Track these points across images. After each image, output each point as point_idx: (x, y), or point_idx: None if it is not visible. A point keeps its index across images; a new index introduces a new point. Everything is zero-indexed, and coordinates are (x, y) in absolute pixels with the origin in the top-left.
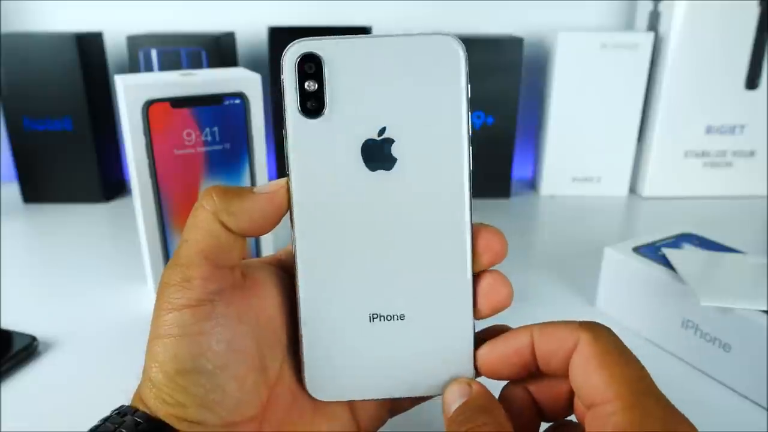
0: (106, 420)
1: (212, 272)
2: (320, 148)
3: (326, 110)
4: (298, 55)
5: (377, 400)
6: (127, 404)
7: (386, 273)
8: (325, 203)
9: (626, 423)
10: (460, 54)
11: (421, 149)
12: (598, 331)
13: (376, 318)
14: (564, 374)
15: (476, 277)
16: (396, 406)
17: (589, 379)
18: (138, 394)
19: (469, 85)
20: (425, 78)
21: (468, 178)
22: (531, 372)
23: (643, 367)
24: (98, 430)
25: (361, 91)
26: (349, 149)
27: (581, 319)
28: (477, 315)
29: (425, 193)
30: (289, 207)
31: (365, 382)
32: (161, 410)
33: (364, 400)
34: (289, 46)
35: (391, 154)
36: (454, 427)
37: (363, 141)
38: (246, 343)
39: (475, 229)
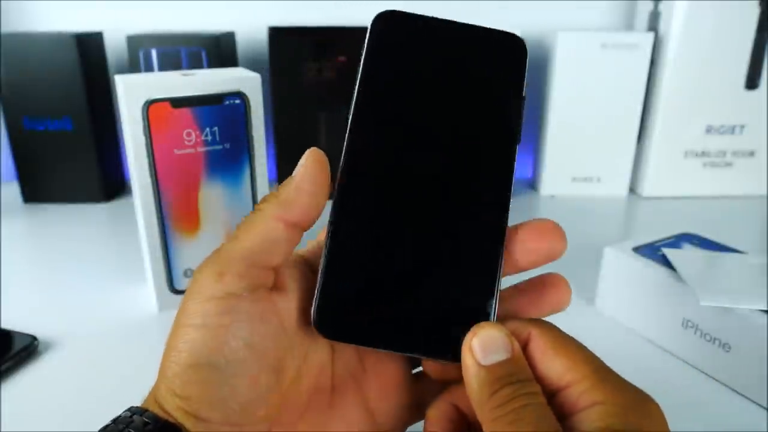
0: (114, 420)
1: (247, 270)
2: None
3: None
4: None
5: (382, 351)
6: (137, 405)
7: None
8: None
9: (600, 396)
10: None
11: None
12: (545, 325)
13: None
14: None
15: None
16: (420, 408)
17: (551, 367)
18: (152, 393)
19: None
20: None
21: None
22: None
23: (594, 353)
24: (106, 431)
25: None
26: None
27: (531, 318)
28: (512, 267)
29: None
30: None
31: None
32: (170, 403)
33: (369, 351)
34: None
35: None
36: (495, 388)
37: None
38: (265, 344)
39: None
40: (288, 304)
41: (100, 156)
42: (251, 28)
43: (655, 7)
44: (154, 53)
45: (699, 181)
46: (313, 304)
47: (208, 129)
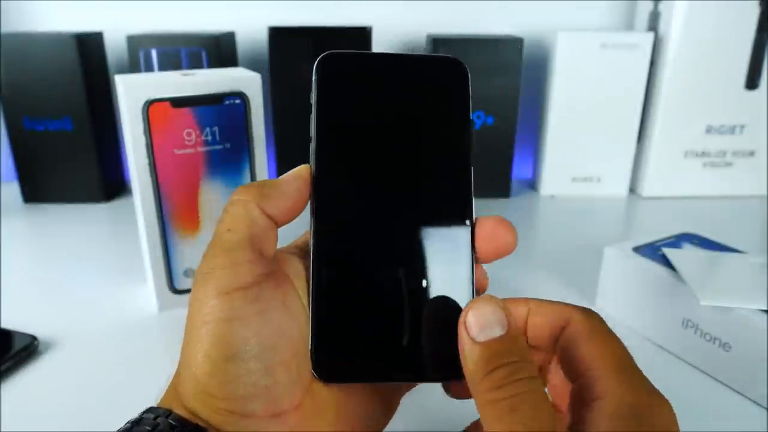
0: (136, 422)
1: (258, 257)
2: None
3: None
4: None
5: (382, 383)
6: (155, 406)
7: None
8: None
9: (611, 388)
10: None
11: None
12: (588, 312)
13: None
14: (546, 347)
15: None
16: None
17: (579, 351)
18: (172, 394)
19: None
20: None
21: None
22: None
23: (627, 349)
24: None
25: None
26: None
27: (576, 304)
28: (479, 258)
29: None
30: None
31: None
32: (205, 407)
33: (373, 384)
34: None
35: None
36: (490, 367)
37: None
38: (291, 328)
39: (480, 221)
40: (298, 290)
41: (100, 156)
42: (251, 28)
43: (655, 7)
44: (154, 53)
45: (699, 181)
46: (310, 351)
47: (208, 129)
